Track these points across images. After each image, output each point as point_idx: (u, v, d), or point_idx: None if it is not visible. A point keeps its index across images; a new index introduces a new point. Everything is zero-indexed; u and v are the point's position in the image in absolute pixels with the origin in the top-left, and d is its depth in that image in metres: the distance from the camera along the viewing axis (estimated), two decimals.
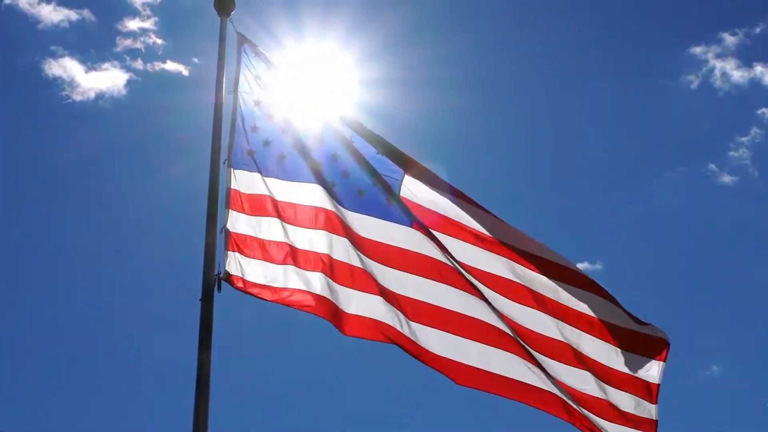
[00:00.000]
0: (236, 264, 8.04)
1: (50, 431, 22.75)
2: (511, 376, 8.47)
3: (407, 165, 8.83)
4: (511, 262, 8.70)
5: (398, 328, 8.33)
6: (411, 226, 8.66)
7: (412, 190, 8.78)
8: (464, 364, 8.41)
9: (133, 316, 24.30)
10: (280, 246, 8.36)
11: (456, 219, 8.76)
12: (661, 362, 8.76)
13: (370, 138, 8.91)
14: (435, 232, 8.66)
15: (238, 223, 8.25)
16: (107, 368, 23.78)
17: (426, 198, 8.78)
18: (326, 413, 23.06)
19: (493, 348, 8.49)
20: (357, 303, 8.33)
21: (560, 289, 8.71)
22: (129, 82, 26.01)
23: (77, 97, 25.86)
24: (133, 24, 26.13)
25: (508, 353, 8.51)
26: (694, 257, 27.68)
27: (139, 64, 26.12)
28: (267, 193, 8.54)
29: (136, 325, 24.21)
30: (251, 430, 22.74)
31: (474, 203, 8.82)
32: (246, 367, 22.43)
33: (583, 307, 8.71)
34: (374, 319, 8.33)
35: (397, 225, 8.65)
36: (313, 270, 8.34)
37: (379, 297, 8.40)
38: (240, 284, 7.97)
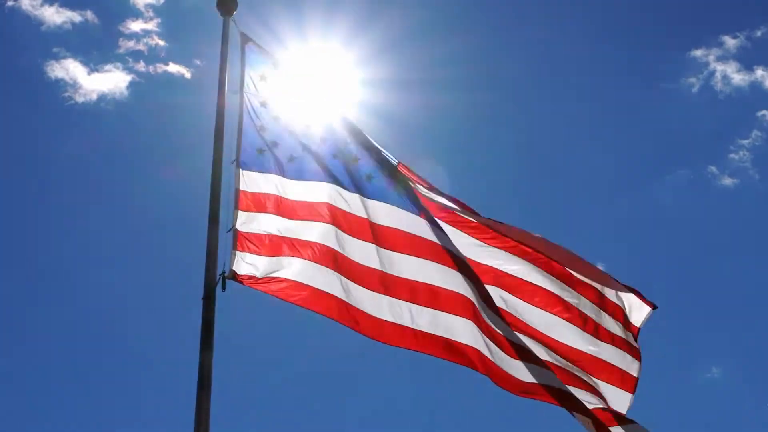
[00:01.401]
0: (245, 263, 8.01)
1: (52, 431, 22.80)
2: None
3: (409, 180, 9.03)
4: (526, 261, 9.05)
5: (405, 323, 8.43)
6: (419, 215, 8.80)
7: (421, 191, 9.00)
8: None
9: (135, 315, 24.33)
10: (290, 244, 8.35)
11: (463, 216, 9.00)
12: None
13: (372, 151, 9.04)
14: (444, 224, 8.85)
15: (247, 222, 8.24)
16: (109, 368, 23.81)
17: (434, 198, 9.01)
18: (328, 413, 23.08)
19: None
20: (369, 302, 8.38)
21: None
22: (131, 84, 26.01)
23: (80, 99, 25.87)
24: (136, 25, 26.13)
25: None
26: (695, 259, 27.73)
27: (141, 65, 26.13)
28: (276, 192, 8.55)
29: (138, 324, 24.23)
30: (253, 430, 22.76)
31: (474, 212, 9.06)
32: (248, 367, 22.43)
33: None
34: (382, 320, 8.39)
35: (406, 212, 8.79)
36: (325, 267, 8.35)
37: (387, 297, 8.45)
38: (249, 282, 7.96)
